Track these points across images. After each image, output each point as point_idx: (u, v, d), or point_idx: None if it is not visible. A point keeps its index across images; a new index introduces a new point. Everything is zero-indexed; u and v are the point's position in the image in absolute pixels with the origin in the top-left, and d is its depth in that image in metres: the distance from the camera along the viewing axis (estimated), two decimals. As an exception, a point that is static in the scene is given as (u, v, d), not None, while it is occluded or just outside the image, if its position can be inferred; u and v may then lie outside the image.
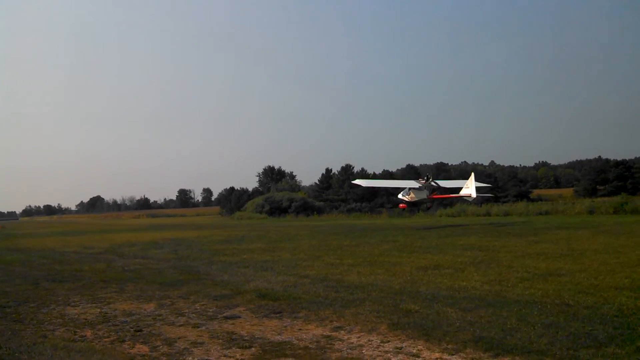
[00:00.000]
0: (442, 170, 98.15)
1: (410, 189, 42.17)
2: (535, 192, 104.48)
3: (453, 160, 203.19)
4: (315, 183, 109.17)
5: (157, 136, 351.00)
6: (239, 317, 10.41)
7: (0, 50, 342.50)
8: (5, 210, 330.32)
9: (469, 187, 38.00)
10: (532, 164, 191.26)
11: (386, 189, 64.80)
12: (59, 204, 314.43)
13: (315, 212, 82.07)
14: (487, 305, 10.40)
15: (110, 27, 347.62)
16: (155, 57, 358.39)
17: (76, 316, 11.00)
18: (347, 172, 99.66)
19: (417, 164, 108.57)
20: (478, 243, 23.76)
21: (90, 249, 29.78)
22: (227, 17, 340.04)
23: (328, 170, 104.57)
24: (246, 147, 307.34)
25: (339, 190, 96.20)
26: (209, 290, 13.48)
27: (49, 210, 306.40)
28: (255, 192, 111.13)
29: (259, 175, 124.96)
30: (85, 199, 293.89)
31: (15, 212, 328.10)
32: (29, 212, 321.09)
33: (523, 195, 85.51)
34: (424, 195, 41.15)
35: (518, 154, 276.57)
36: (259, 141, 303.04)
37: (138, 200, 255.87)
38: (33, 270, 19.95)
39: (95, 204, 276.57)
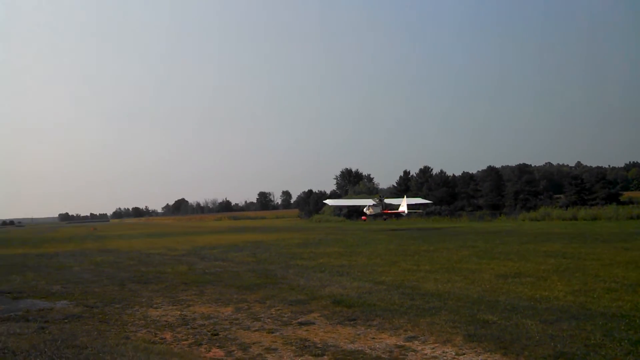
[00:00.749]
0: (525, 172, 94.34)
1: (370, 205, 54.63)
2: (626, 195, 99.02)
3: (536, 161, 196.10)
4: (393, 185, 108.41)
5: (239, 140, 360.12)
6: (313, 323, 10.45)
7: (96, 63, 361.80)
8: (97, 213, 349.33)
9: (403, 206, 51.00)
10: (622, 165, 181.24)
11: (353, 206, 76.32)
12: (146, 207, 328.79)
13: (393, 216, 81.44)
14: (570, 317, 9.94)
15: (199, 38, 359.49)
16: (239, 59, 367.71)
17: (158, 318, 11.39)
18: (426, 174, 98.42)
19: (498, 165, 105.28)
20: (563, 250, 22.79)
21: (174, 251, 30.87)
22: (317, 17, 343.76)
23: (406, 172, 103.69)
24: (324, 150, 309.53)
25: (417, 192, 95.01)
26: (285, 295, 13.62)
27: (137, 212, 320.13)
28: (333, 195, 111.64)
29: (336, 178, 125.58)
30: (171, 202, 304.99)
31: (106, 214, 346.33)
32: (118, 214, 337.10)
33: (612, 198, 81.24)
34: (379, 210, 53.35)
35: (607, 154, 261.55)
36: (336, 143, 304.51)
37: (220, 203, 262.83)
38: (120, 271, 20.90)
39: (180, 207, 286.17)
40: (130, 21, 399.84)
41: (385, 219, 56.12)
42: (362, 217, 56.06)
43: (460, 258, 20.98)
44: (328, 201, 72.30)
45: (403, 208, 50.66)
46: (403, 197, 55.03)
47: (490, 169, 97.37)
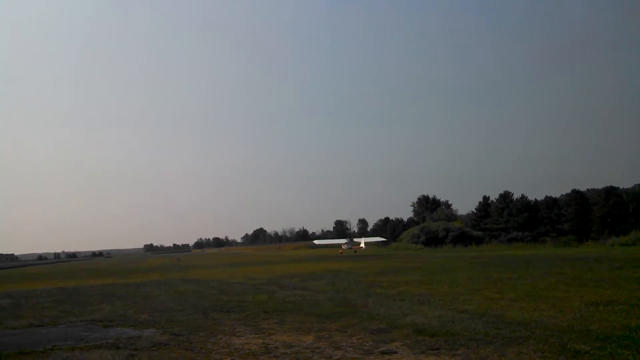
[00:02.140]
0: (613, 194, 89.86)
1: (344, 243, 76.87)
2: None
3: (625, 183, 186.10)
4: (472, 212, 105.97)
5: (314, 167, 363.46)
6: (396, 352, 10.30)
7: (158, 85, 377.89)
8: (180, 243, 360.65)
9: (361, 243, 73.91)
10: None
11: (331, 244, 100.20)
12: (226, 237, 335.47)
13: (473, 242, 79.57)
14: (671, 348, 9.32)
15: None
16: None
17: (241, 346, 11.55)
18: (506, 199, 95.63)
19: (583, 188, 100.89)
20: (659, 276, 21.50)
21: (254, 280, 31.32)
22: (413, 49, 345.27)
23: (485, 198, 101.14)
24: (399, 176, 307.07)
25: (498, 218, 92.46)
26: (366, 324, 13.51)
27: (218, 242, 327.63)
28: (410, 222, 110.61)
29: (413, 205, 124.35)
30: (250, 232, 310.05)
31: (188, 244, 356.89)
32: (200, 244, 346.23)
33: None
34: (350, 246, 74.48)
35: None
36: (413, 170, 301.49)
37: (297, 232, 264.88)
38: (203, 300, 21.41)
39: (259, 236, 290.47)
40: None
41: (355, 252, 71.77)
42: (340, 251, 73.91)
43: (547, 285, 20.17)
44: (316, 241, 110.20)
45: (362, 245, 73.52)
46: (362, 238, 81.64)
47: (575, 192, 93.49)
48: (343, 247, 74.17)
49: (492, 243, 79.44)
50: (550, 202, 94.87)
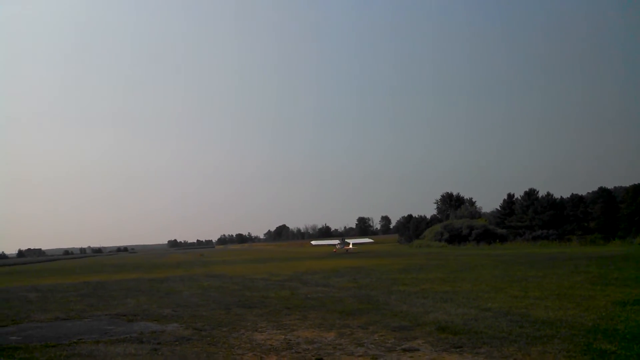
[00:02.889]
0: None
1: (336, 244, 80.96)
2: None
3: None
4: (497, 209, 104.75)
5: (336, 164, 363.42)
6: (418, 349, 10.23)
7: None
8: (203, 239, 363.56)
9: (350, 244, 79.21)
10: None
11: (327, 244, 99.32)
12: (249, 233, 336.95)
13: (497, 240, 78.74)
14: (701, 349, 9.12)
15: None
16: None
17: (263, 342, 11.58)
18: (531, 196, 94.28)
19: (610, 186, 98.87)
20: (688, 275, 21.06)
21: (276, 276, 31.43)
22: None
23: (510, 195, 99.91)
24: (423, 174, 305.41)
25: (522, 216, 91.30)
26: (388, 321, 13.46)
27: (241, 238, 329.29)
28: (434, 220, 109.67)
29: (436, 202, 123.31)
30: (272, 228, 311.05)
31: (211, 240, 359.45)
32: (223, 240, 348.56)
33: None
34: (342, 246, 77.97)
35: None
36: (436, 167, 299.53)
37: (320, 229, 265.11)
38: (226, 295, 21.54)
39: (281, 233, 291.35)
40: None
41: (347, 251, 76.07)
42: (334, 250, 78.69)
43: (572, 284, 19.89)
44: (313, 242, 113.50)
45: (351, 245, 78.92)
46: (351, 239, 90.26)
47: (602, 190, 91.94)
48: (337, 247, 79.96)
49: (517, 241, 78.44)
50: (577, 200, 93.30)
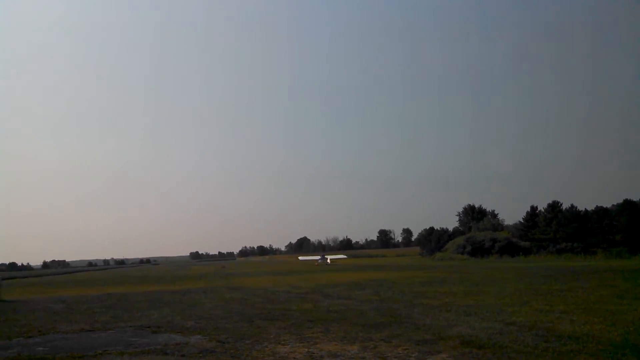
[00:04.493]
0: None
1: (318, 259, 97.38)
2: None
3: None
4: (520, 221, 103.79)
5: (358, 176, 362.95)
6: (442, 364, 10.17)
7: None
8: (225, 251, 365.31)
9: (328, 259, 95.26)
10: None
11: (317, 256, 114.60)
12: (270, 245, 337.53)
13: (520, 253, 77.98)
14: None
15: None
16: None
17: (286, 354, 11.58)
18: (555, 209, 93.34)
19: (635, 198, 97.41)
20: None
21: (298, 288, 31.44)
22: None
23: (533, 208, 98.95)
24: (443, 186, 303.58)
25: (546, 228, 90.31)
26: (411, 334, 13.38)
27: (262, 250, 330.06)
28: (456, 232, 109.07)
29: (459, 215, 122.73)
30: (293, 240, 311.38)
31: (233, 252, 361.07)
32: (244, 252, 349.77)
33: None
34: (323, 261, 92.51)
35: None
36: (457, 179, 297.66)
37: (341, 241, 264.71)
38: (248, 308, 21.59)
39: (302, 245, 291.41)
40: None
41: (327, 264, 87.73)
42: (316, 263, 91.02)
43: (598, 298, 19.62)
44: (300, 257, 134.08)
45: (328, 260, 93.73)
46: (327, 256, 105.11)
47: (627, 202, 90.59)
48: (318, 261, 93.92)
49: (541, 254, 77.63)
50: (601, 212, 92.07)
